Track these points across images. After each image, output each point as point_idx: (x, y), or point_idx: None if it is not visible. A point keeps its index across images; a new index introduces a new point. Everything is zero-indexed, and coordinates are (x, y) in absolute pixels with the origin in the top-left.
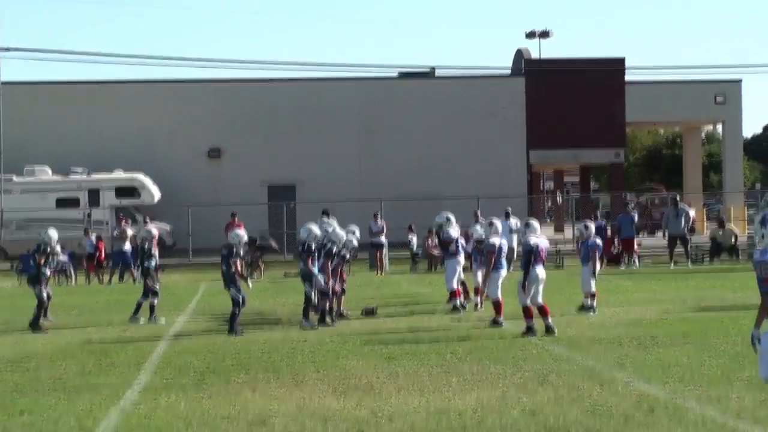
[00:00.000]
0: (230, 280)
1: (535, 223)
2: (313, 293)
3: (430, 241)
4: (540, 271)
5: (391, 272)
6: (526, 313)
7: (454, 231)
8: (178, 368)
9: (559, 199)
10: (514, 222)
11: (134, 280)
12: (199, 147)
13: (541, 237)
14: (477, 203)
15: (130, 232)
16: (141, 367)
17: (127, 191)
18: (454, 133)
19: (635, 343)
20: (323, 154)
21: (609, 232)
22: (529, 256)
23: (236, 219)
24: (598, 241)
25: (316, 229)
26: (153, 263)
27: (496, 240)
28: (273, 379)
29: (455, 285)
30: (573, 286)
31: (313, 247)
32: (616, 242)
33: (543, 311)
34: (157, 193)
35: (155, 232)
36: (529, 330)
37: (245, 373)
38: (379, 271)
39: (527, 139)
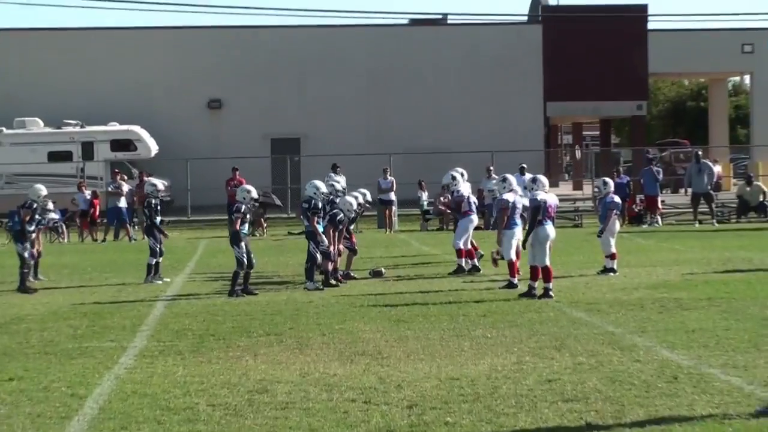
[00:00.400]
0: (233, 238)
1: (542, 178)
2: (317, 253)
3: (441, 198)
4: (550, 229)
5: (401, 230)
6: (510, 268)
7: (464, 188)
8: (175, 332)
9: (578, 154)
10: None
11: (130, 239)
12: (198, 98)
13: (549, 193)
14: (491, 158)
15: (126, 187)
16: (136, 330)
17: (122, 144)
18: (466, 83)
19: (657, 306)
20: (329, 106)
21: (631, 189)
22: (536, 213)
23: (237, 174)
24: (616, 198)
25: (323, 186)
26: (159, 219)
27: (509, 196)
28: (276, 343)
29: (461, 244)
30: (592, 246)
31: (320, 206)
32: (637, 200)
33: (546, 273)
34: (154, 147)
35: (161, 185)
36: (530, 291)
37: (246, 337)
38: (387, 230)
39: (544, 90)
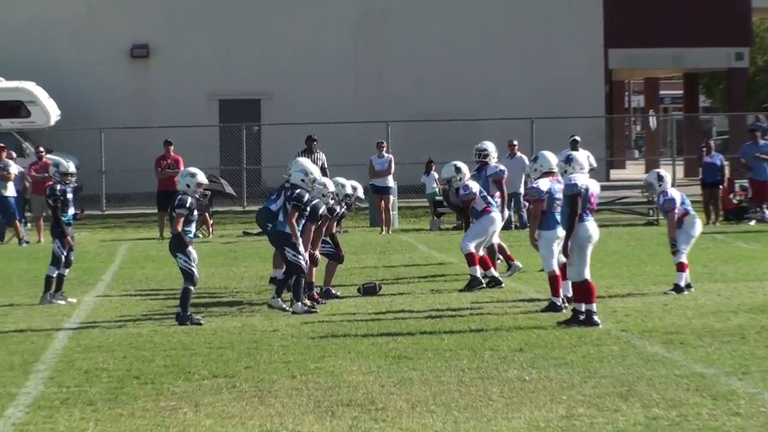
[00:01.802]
0: (175, 244)
1: (580, 156)
2: (300, 259)
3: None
4: (592, 227)
5: (402, 230)
6: (552, 284)
7: (473, 183)
8: (84, 373)
9: (653, 122)
10: (585, 155)
11: (20, 240)
12: (117, 43)
13: (590, 178)
14: (530, 126)
15: (14, 169)
16: (29, 370)
17: (10, 108)
18: (497, 25)
19: (765, 337)
20: (302, 56)
21: (727, 173)
22: (575, 204)
23: (172, 150)
24: (672, 192)
25: (315, 170)
26: (70, 215)
27: (543, 183)
28: (226, 389)
29: (473, 247)
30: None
31: (305, 198)
32: (737, 186)
33: (581, 291)
34: (54, 112)
35: (72, 167)
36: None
37: (185, 381)
38: (384, 228)
39: (605, 33)
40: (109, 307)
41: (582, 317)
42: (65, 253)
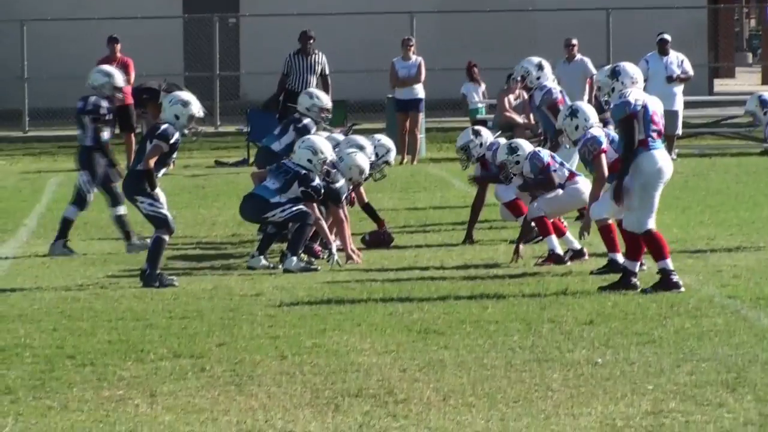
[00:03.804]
0: (140, 183)
1: (630, 67)
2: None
3: (508, 99)
4: (663, 158)
5: (431, 159)
6: (606, 236)
7: (553, 86)
8: (1, 350)
9: None
10: (676, 59)
11: None
12: None
13: (650, 96)
14: (606, 20)
15: None
16: None
17: None
18: None
19: None
20: None
21: None
22: (631, 128)
23: (118, 49)
24: None
25: (327, 148)
26: None
27: (639, 96)
28: (192, 372)
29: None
30: None
31: (316, 182)
32: None
33: (633, 244)
34: None
35: None
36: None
37: (137, 362)
38: (407, 158)
39: None
40: (33, 263)
41: (631, 278)
42: None
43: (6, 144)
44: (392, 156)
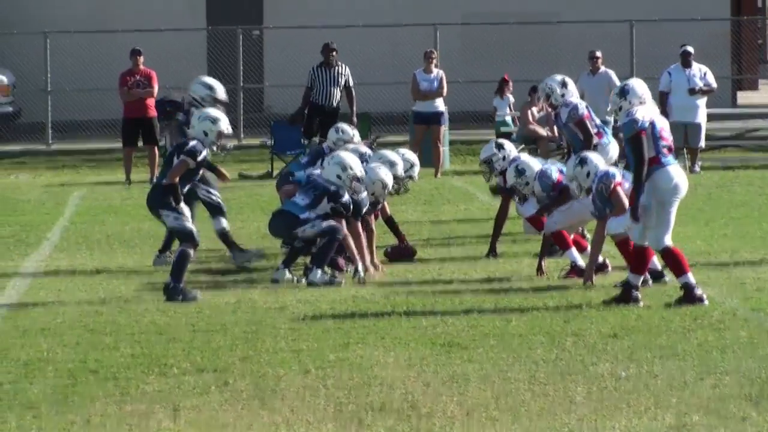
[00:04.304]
0: (166, 196)
1: (639, 86)
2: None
3: (531, 112)
4: (677, 174)
5: (455, 171)
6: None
7: (578, 102)
8: (24, 365)
9: None
10: (699, 72)
11: None
12: None
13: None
14: (629, 32)
15: None
16: None
17: None
18: None
19: None
20: None
21: None
22: (640, 146)
23: (141, 62)
24: None
25: (356, 165)
26: None
27: (645, 113)
28: (215, 386)
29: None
30: None
31: (345, 198)
32: None
33: (638, 258)
34: None
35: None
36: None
37: (159, 375)
38: (433, 171)
39: None
40: (56, 276)
41: (633, 291)
42: None
43: (29, 157)
44: (416, 170)
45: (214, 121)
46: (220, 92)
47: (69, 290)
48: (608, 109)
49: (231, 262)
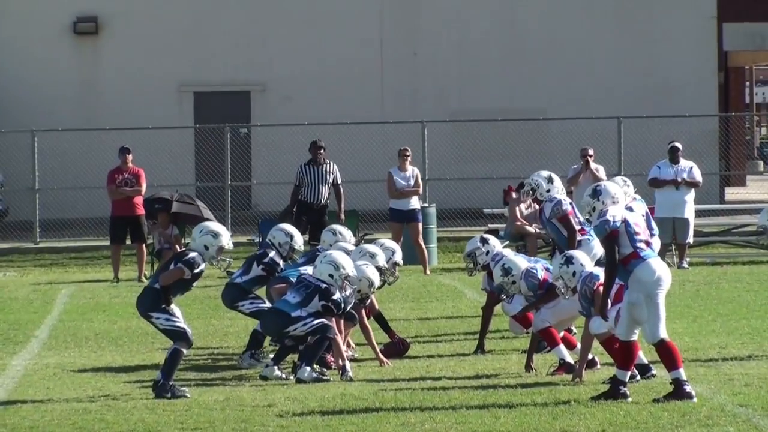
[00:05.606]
0: (155, 298)
1: (612, 187)
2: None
3: (519, 209)
4: (659, 266)
5: (443, 268)
6: (610, 349)
7: (562, 198)
8: None
9: None
10: (687, 168)
11: None
12: (56, 15)
13: (634, 202)
14: (617, 128)
15: None
16: None
17: None
18: None
19: None
20: (305, 32)
21: None
22: (613, 246)
23: (130, 159)
24: None
25: (348, 265)
26: None
27: (617, 213)
28: None
29: (551, 319)
30: None
31: (336, 296)
32: None
33: (623, 353)
34: None
35: None
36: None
37: None
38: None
39: (719, 2)
40: (44, 374)
41: (620, 387)
42: None
43: (17, 255)
44: (399, 256)
45: (216, 235)
46: (299, 242)
47: (57, 388)
48: (582, 211)
49: (236, 359)
